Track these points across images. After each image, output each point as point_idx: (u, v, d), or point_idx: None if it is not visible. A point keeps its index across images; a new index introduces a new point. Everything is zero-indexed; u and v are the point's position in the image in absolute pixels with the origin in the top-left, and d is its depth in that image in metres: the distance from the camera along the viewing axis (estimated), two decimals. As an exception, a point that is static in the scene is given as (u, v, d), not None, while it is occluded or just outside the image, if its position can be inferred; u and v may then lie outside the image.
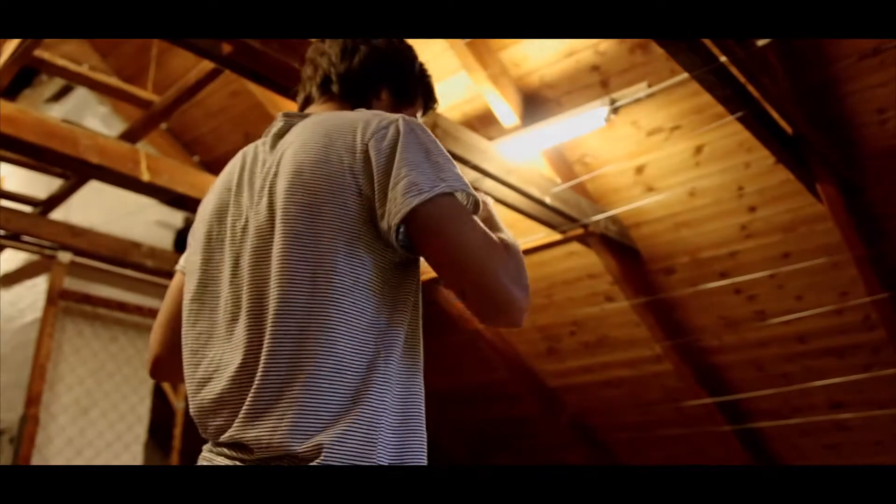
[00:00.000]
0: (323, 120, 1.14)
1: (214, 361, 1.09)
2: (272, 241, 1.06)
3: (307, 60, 1.32)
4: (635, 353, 4.52)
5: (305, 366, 0.99)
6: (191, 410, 1.13)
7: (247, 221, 1.12)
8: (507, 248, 1.10)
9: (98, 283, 4.42)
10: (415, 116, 1.33)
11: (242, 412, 1.01)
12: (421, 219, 1.02)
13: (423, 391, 1.11)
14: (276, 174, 1.10)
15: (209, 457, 1.09)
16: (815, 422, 4.16)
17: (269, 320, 1.02)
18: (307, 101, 1.29)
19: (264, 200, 1.09)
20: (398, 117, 1.10)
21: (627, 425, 4.99)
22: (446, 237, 1.04)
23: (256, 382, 1.01)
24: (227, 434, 1.03)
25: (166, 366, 1.28)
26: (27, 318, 4.33)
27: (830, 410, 4.10)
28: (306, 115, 1.19)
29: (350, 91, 1.26)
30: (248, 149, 1.23)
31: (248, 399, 1.01)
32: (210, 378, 1.09)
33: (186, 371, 1.14)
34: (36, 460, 3.90)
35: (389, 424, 1.03)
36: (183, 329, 1.17)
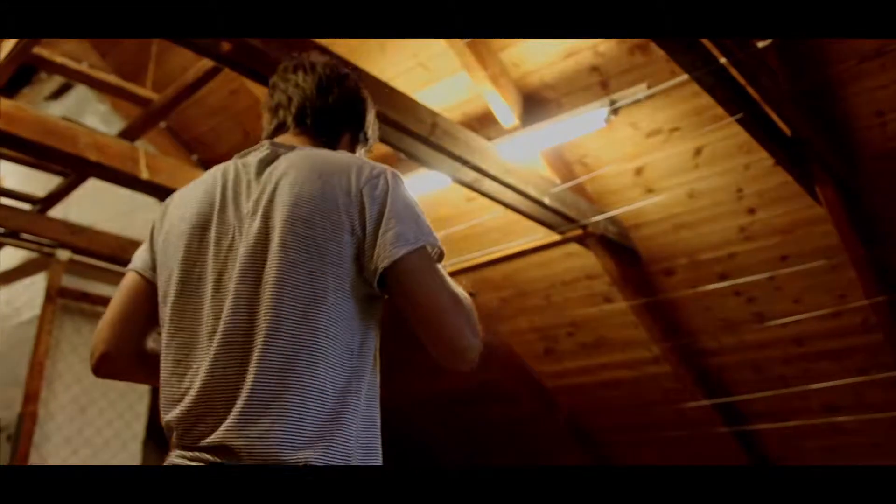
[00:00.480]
0: (314, 157, 1.26)
1: (200, 371, 1.15)
2: (263, 265, 1.16)
3: (275, 86, 1.42)
4: (633, 354, 4.52)
5: (293, 384, 1.10)
6: (169, 416, 1.18)
7: (233, 240, 1.21)
8: (464, 300, 1.25)
9: (96, 282, 4.41)
10: (363, 155, 1.50)
11: (230, 420, 1.09)
12: (404, 266, 1.17)
13: (379, 411, 1.22)
14: (270, 201, 1.19)
15: (179, 462, 1.14)
16: (813, 424, 4.16)
17: (260, 339, 1.12)
18: (280, 128, 1.38)
19: (256, 225, 1.18)
20: (385, 168, 1.26)
21: (625, 426, 4.99)
22: (426, 287, 1.19)
23: (246, 393, 1.10)
24: (209, 438, 1.10)
25: (113, 364, 1.32)
26: (25, 316, 4.33)
27: (828, 413, 4.10)
28: (292, 147, 1.29)
29: (323, 128, 1.38)
30: (227, 167, 1.30)
31: (237, 408, 1.09)
32: (193, 386, 1.15)
33: (171, 379, 1.20)
34: (34, 458, 3.90)
35: (360, 442, 1.14)
36: (163, 337, 1.22)
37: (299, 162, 1.24)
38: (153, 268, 1.31)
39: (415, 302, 1.19)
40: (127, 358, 1.32)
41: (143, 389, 4.41)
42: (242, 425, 1.08)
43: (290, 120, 1.37)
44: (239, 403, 1.09)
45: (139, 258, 1.34)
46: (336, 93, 1.41)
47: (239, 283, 1.15)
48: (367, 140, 1.50)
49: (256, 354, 1.11)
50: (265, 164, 1.27)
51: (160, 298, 1.26)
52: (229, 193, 1.25)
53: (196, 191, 1.29)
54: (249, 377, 1.10)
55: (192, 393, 1.14)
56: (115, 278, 4.44)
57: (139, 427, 4.38)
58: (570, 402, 5.08)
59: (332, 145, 1.37)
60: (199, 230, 1.24)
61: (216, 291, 1.18)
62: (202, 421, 1.12)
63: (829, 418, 4.08)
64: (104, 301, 4.35)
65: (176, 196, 1.35)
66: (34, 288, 4.32)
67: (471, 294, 1.35)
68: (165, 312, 1.23)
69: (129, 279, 1.34)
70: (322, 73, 1.41)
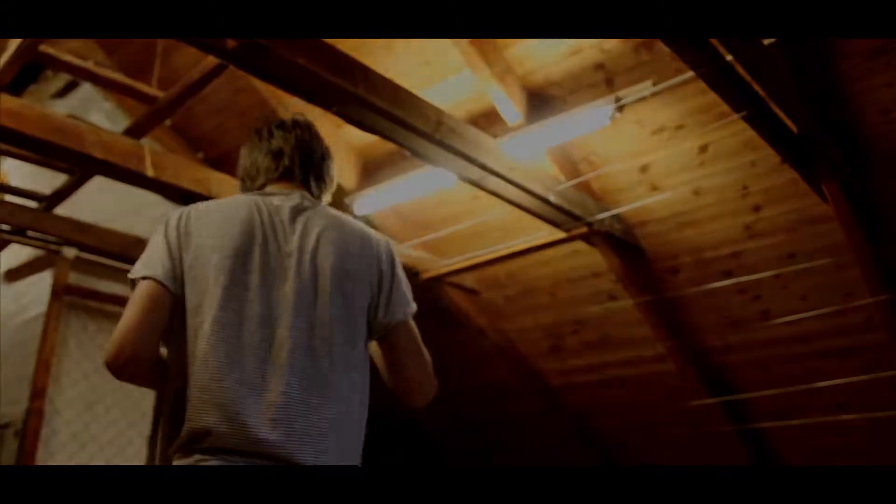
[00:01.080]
0: (342, 220, 1.61)
1: (262, 386, 1.38)
2: (314, 303, 1.47)
3: (272, 134, 1.68)
4: (638, 352, 4.52)
5: (350, 413, 1.45)
6: (210, 421, 1.34)
7: (282, 271, 1.48)
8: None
9: (103, 279, 4.43)
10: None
11: (294, 427, 1.37)
12: (408, 322, 1.58)
13: None
14: (315, 249, 1.50)
15: (235, 462, 1.33)
16: (818, 423, 4.14)
17: (323, 366, 1.43)
18: (287, 174, 1.65)
19: (306, 268, 1.48)
20: (388, 240, 1.66)
21: (629, 424, 4.98)
22: (417, 341, 1.58)
23: (314, 413, 1.40)
24: (281, 445, 1.34)
25: (137, 367, 1.42)
26: (32, 313, 4.35)
27: (834, 412, 4.09)
28: (313, 202, 1.61)
29: (316, 186, 1.68)
30: (256, 203, 1.55)
31: (302, 416, 1.38)
32: (254, 400, 1.37)
33: (211, 384, 1.36)
34: (41, 454, 3.92)
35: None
36: (200, 345, 1.39)
37: (334, 222, 1.57)
38: (175, 279, 1.44)
39: (414, 351, 1.57)
40: (148, 363, 1.43)
41: (148, 389, 4.42)
42: (305, 440, 1.37)
43: (296, 170, 1.64)
44: (306, 423, 1.38)
45: (161, 268, 1.45)
46: (328, 162, 1.72)
47: (295, 317, 1.43)
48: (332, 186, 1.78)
49: (324, 381, 1.42)
50: (297, 212, 1.56)
51: (192, 309, 1.42)
52: (268, 230, 1.51)
53: (229, 222, 1.50)
54: (316, 401, 1.40)
55: (252, 406, 1.35)
56: (122, 276, 4.46)
57: (145, 425, 4.39)
58: (576, 399, 5.08)
59: (320, 193, 1.69)
60: (244, 257, 1.46)
61: (266, 317, 1.43)
62: (262, 431, 1.34)
63: (835, 416, 4.07)
64: (110, 298, 4.38)
65: (194, 218, 1.52)
66: (40, 285, 4.33)
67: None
68: (200, 323, 1.40)
69: (153, 288, 1.43)
70: (313, 132, 1.71)
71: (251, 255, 1.46)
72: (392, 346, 1.56)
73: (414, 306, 1.60)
